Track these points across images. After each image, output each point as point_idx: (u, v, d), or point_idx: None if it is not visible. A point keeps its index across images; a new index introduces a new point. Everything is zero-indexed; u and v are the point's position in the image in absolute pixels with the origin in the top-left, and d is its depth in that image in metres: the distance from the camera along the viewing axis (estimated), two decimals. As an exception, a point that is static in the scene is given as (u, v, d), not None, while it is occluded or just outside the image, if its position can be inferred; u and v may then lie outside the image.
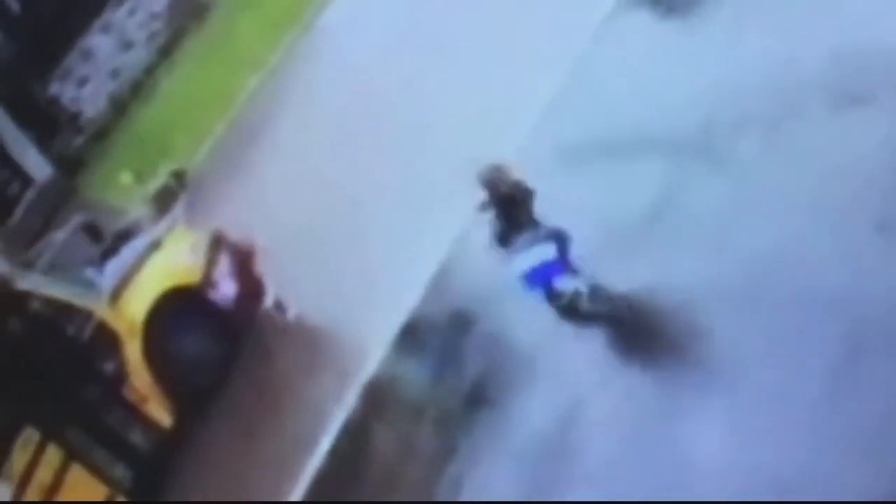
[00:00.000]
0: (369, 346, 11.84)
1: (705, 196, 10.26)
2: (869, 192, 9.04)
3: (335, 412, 11.53)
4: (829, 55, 10.31)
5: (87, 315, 12.92)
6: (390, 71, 15.92)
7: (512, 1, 14.92)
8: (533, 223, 10.04)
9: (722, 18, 11.90)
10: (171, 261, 13.72)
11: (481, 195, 10.18)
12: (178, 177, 15.56)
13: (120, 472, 12.55)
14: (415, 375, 11.35)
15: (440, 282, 11.89)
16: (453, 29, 15.74)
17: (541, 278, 9.84)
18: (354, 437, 11.21)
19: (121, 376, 12.86)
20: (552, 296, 9.91)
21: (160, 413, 12.95)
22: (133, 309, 13.11)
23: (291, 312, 13.36)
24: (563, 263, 9.83)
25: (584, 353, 9.77)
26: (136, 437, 12.82)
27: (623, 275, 10.01)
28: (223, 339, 13.65)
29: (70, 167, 22.49)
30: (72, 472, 12.13)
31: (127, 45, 24.32)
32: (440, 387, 10.93)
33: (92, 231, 14.98)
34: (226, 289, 13.54)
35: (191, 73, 22.61)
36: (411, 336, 11.66)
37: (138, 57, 24.24)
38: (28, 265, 14.02)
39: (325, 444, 11.33)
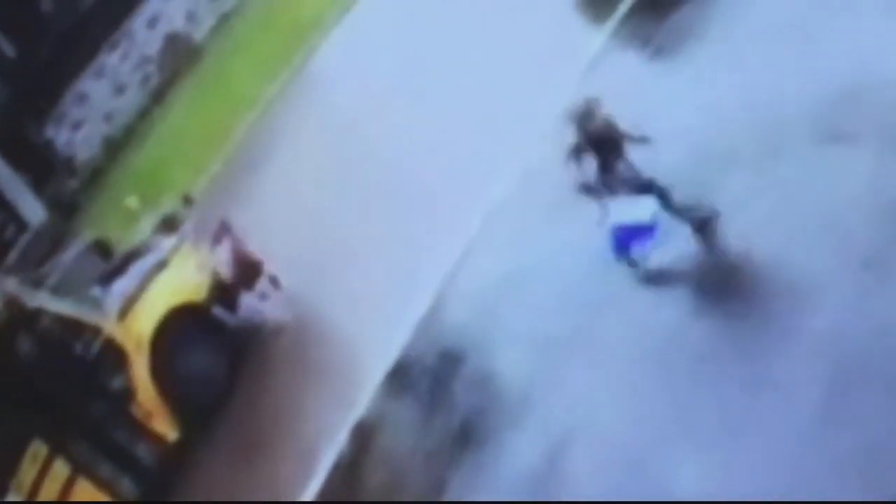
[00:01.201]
0: (359, 384, 11.84)
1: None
2: (854, 230, 9.02)
3: (326, 451, 11.53)
4: (813, 93, 10.32)
5: (94, 332, 13.12)
6: (379, 113, 16.03)
7: (499, 46, 15.07)
8: (627, 169, 9.85)
9: (707, 59, 11.93)
10: (177, 279, 14.02)
11: (573, 135, 9.90)
12: (186, 201, 15.77)
13: (126, 486, 12.75)
14: (404, 415, 11.34)
15: (429, 321, 11.89)
16: (441, 72, 15.92)
17: (628, 239, 9.77)
18: (345, 474, 11.21)
19: (128, 392, 13.10)
20: (630, 260, 9.96)
21: (166, 428, 13.16)
22: (140, 326, 13.36)
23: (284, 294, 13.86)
24: (655, 229, 9.75)
25: (573, 387, 9.74)
26: (142, 452, 13.02)
27: (606, 318, 10.03)
28: (227, 356, 13.90)
29: (65, 210, 22.57)
30: (78, 486, 12.38)
31: (120, 89, 24.45)
32: (430, 426, 10.89)
33: (101, 249, 15.47)
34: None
35: (184, 115, 22.70)
36: (401, 375, 11.65)
37: (132, 100, 24.37)
38: (37, 283, 14.12)
39: (315, 483, 11.35)
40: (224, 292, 14.03)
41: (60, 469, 12.34)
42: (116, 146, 23.82)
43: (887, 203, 8.97)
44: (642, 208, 9.77)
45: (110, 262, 15.02)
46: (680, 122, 11.33)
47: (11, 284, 13.60)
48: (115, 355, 13.16)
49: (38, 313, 13.02)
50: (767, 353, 8.64)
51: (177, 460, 13.14)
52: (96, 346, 13.11)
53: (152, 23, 24.86)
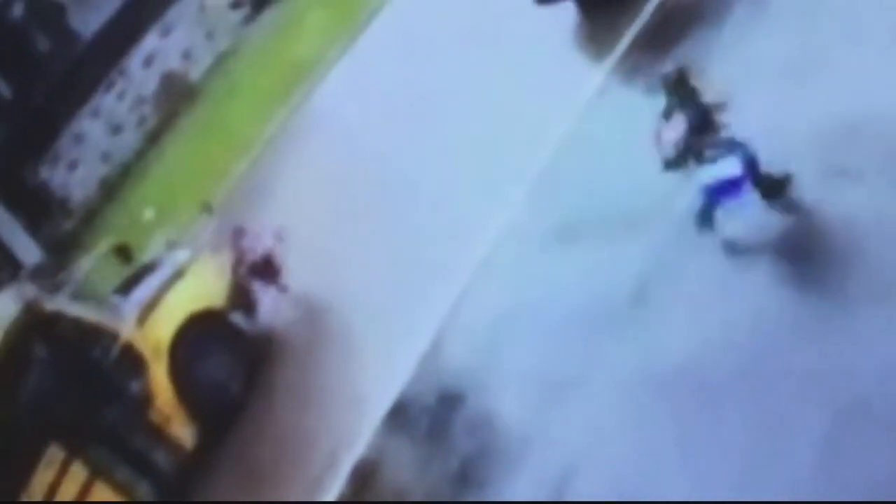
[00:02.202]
0: (358, 425, 11.74)
1: (693, 272, 10.13)
2: (854, 266, 8.90)
3: (323, 494, 11.44)
4: (815, 128, 10.23)
5: (113, 337, 13.26)
6: (379, 149, 15.99)
7: (501, 78, 15.05)
8: (718, 132, 9.87)
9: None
10: (196, 286, 14.27)
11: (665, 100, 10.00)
12: (206, 208, 16.14)
13: (143, 491, 12.84)
14: (403, 455, 11.26)
15: (429, 360, 11.79)
16: (442, 106, 15.93)
17: (717, 196, 9.75)
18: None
19: (146, 397, 13.22)
20: (712, 224, 9.91)
21: (183, 434, 13.28)
22: (159, 332, 13.54)
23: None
24: (743, 184, 9.72)
25: (574, 425, 9.64)
26: (160, 458, 13.12)
27: (608, 355, 9.93)
28: (245, 363, 14.08)
29: (60, 251, 22.47)
30: (95, 491, 12.44)
31: (116, 129, 24.43)
32: (429, 467, 10.76)
33: (122, 253, 15.47)
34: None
35: (180, 155, 22.68)
36: (400, 415, 11.53)
37: (128, 140, 24.36)
38: (56, 289, 14.25)
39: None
40: (242, 299, 14.29)
41: (77, 473, 12.43)
42: (113, 186, 23.77)
43: (889, 239, 8.84)
44: (731, 164, 9.76)
45: (131, 268, 15.20)
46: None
47: (30, 290, 13.70)
48: (133, 361, 13.28)
49: (56, 317, 13.10)
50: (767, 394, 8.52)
51: (194, 467, 13.26)
52: (115, 352, 13.22)
53: (148, 62, 24.87)
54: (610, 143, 12.26)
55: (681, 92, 9.89)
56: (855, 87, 10.18)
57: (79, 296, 14.10)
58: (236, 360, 14.05)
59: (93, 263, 15.90)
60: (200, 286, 14.30)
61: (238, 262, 14.52)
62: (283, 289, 14.46)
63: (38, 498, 12.27)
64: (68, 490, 12.36)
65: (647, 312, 10.16)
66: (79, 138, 24.12)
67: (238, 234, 14.75)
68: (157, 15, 24.93)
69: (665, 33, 13.23)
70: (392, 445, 11.42)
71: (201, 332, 13.84)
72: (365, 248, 14.35)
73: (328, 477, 11.57)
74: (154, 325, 13.60)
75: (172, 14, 25.27)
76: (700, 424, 8.79)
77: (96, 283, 15.23)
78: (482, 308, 11.86)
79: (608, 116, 12.78)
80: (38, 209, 23.30)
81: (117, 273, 15.18)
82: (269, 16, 24.91)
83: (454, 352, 11.69)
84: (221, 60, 24.98)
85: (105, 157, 23.98)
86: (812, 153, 10.14)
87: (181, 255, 14.95)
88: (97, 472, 12.54)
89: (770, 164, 9.87)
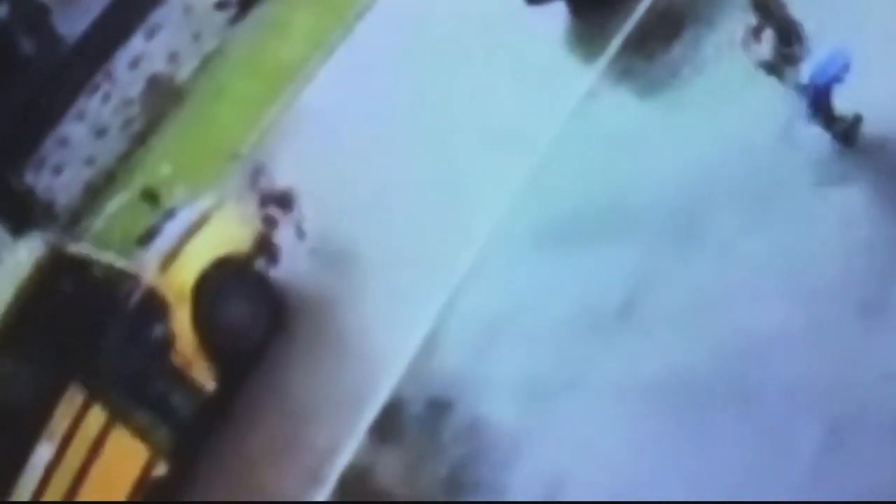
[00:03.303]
0: (346, 431, 11.70)
1: (685, 280, 10.06)
2: (850, 274, 8.84)
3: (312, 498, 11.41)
4: (809, 134, 10.15)
5: (136, 281, 13.48)
6: (366, 151, 15.94)
7: (491, 79, 14.93)
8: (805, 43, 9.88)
9: (701, 94, 11.80)
10: (221, 231, 14.44)
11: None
12: (233, 157, 16.68)
13: (162, 434, 13.00)
14: (393, 461, 11.21)
15: (418, 366, 11.72)
16: (431, 107, 15.81)
17: (827, 85, 9.68)
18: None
19: (167, 341, 13.40)
20: (829, 117, 9.80)
21: (204, 378, 13.43)
22: (183, 276, 13.75)
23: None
24: (849, 68, 9.64)
25: (566, 430, 9.61)
26: (179, 402, 13.27)
27: (597, 361, 9.87)
28: (268, 309, 14.21)
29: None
30: (115, 433, 12.62)
31: (101, 133, 24.26)
32: (418, 473, 10.72)
33: (150, 198, 15.54)
34: None
35: (167, 158, 22.56)
36: (389, 421, 11.47)
37: (113, 144, 24.20)
38: (82, 234, 15.19)
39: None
40: (266, 246, 14.42)
41: (97, 415, 12.59)
42: (98, 191, 23.62)
43: (883, 246, 8.83)
44: (824, 56, 9.76)
45: (156, 213, 15.27)
46: (670, 161, 11.22)
47: (55, 235, 14.19)
48: (156, 305, 13.48)
49: (81, 261, 13.43)
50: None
51: (214, 410, 13.40)
52: (138, 295, 13.41)
53: (134, 64, 24.72)
54: (601, 145, 12.22)
55: (767, 9, 9.89)
56: (850, 93, 10.05)
57: (103, 240, 14.61)
58: (259, 306, 14.18)
59: (119, 208, 16.18)
60: (225, 232, 14.47)
61: (257, 198, 14.83)
62: (301, 234, 14.63)
63: (58, 438, 12.39)
64: (87, 432, 12.51)
65: (637, 318, 10.13)
66: (63, 142, 23.97)
67: (257, 171, 15.17)
68: (143, 17, 24.79)
69: (657, 34, 13.16)
70: (381, 451, 11.37)
71: (225, 277, 14.00)
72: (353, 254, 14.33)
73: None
74: (178, 270, 13.82)
75: (158, 16, 25.15)
76: (691, 431, 8.77)
77: (121, 228, 15.61)
78: (471, 313, 11.79)
79: (599, 118, 12.70)
80: (24, 214, 23.14)
81: (143, 218, 15.31)
82: (255, 17, 24.83)
83: (443, 357, 11.62)
84: (208, 62, 24.86)
85: (90, 160, 23.82)
86: (802, 157, 10.11)
87: (205, 203, 15.05)
88: (116, 416, 12.70)
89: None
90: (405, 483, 10.84)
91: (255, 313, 14.12)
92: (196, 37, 25.37)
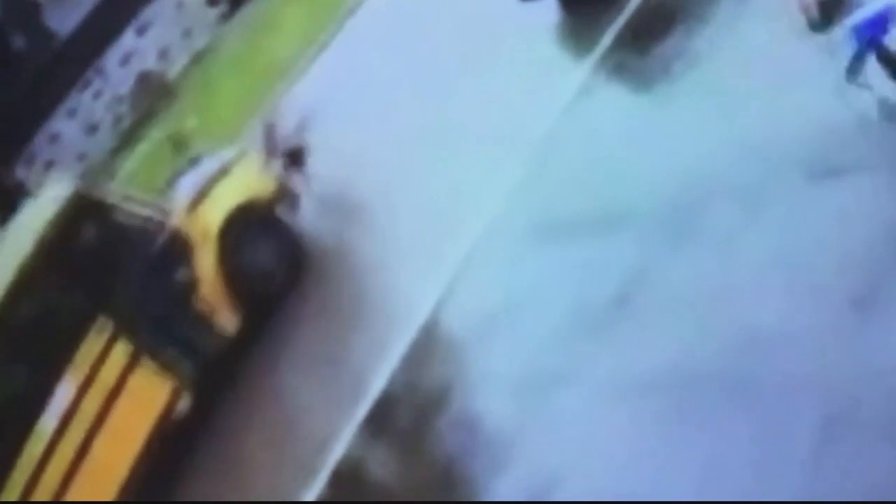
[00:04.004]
0: (336, 427, 11.65)
1: (679, 275, 9.99)
2: (845, 268, 8.77)
3: (303, 494, 11.38)
4: (806, 127, 10.13)
5: (162, 223, 13.98)
6: (357, 147, 16.01)
7: (483, 75, 14.97)
8: None
9: (696, 90, 11.75)
10: (244, 178, 14.94)
11: None
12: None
13: (185, 371, 13.43)
14: (385, 456, 11.20)
15: (412, 361, 11.70)
16: (422, 104, 15.87)
17: (875, 33, 9.48)
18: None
19: (192, 283, 13.88)
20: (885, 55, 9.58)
21: (226, 319, 13.88)
22: (208, 219, 14.21)
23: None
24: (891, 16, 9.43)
25: (562, 426, 9.53)
26: (203, 341, 13.72)
27: (594, 356, 9.81)
28: (289, 254, 14.69)
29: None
30: (139, 368, 13.03)
31: (92, 129, 24.26)
32: (412, 469, 10.69)
33: (177, 143, 16.46)
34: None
35: (157, 155, 22.57)
36: (382, 416, 11.44)
37: (104, 140, 24.18)
38: (109, 175, 15.46)
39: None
40: (287, 193, 14.96)
41: (121, 351, 12.96)
42: (88, 187, 23.60)
43: (877, 239, 8.73)
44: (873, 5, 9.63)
45: (184, 158, 15.88)
46: (664, 155, 11.18)
47: (84, 176, 14.73)
48: (181, 247, 13.91)
49: (107, 202, 13.85)
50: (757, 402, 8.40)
51: (236, 351, 13.88)
52: (163, 237, 13.85)
53: (125, 60, 24.72)
54: (595, 140, 12.20)
55: None
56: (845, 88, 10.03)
57: (130, 184, 15.09)
58: (281, 251, 14.59)
59: (146, 154, 16.33)
60: (248, 178, 14.93)
61: (274, 151, 15.41)
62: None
63: (82, 373, 12.73)
64: (111, 367, 12.85)
65: (633, 313, 10.04)
66: (54, 138, 23.97)
67: (270, 129, 15.76)
68: (134, 13, 24.80)
69: (649, 29, 13.14)
70: (374, 446, 11.36)
71: (249, 221, 14.39)
72: (343, 251, 14.50)
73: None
74: (202, 214, 14.24)
75: (149, 12, 25.15)
76: (687, 427, 8.68)
77: (148, 174, 16.16)
78: (464, 307, 11.78)
79: (593, 113, 12.68)
80: (13, 209, 23.10)
81: (169, 164, 15.85)
82: (246, 13, 24.82)
83: (437, 350, 11.62)
84: (198, 59, 24.87)
85: (81, 156, 23.83)
86: (797, 151, 10.02)
87: (228, 153, 15.61)
88: (141, 351, 13.06)
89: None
90: (399, 477, 10.81)
91: (278, 257, 14.53)
92: (187, 33, 25.40)
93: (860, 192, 9.27)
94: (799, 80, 10.60)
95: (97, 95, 24.31)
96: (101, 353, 12.85)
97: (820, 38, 10.41)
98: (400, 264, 13.27)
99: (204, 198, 14.43)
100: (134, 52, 24.65)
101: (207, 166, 15.30)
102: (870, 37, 9.55)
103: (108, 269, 13.39)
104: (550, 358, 10.17)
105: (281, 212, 14.87)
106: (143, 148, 16.67)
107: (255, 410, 13.46)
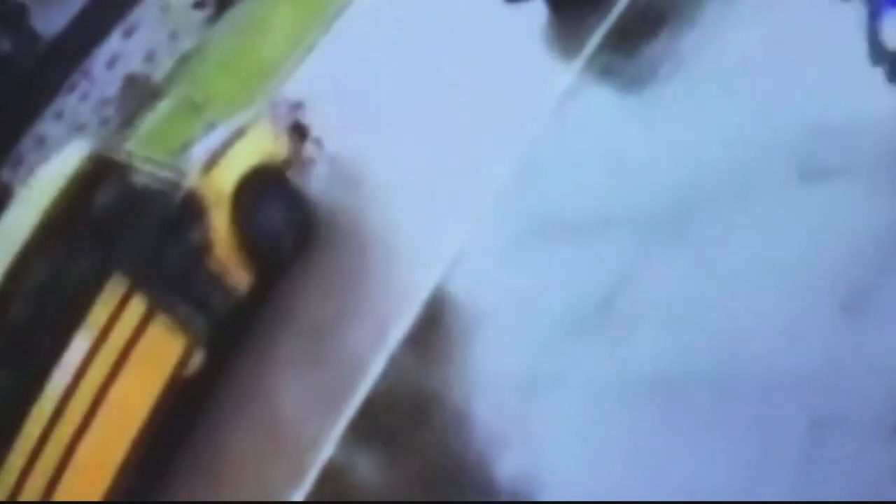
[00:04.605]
0: (323, 430, 11.65)
1: (667, 276, 9.99)
2: (833, 270, 8.77)
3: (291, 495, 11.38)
4: (795, 128, 10.13)
5: (177, 184, 14.34)
6: (344, 148, 16.13)
7: (470, 77, 15.00)
8: None
9: (684, 91, 11.74)
10: (258, 142, 15.39)
11: None
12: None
13: (199, 328, 13.76)
14: (370, 459, 11.28)
15: (400, 361, 11.70)
16: (409, 107, 15.90)
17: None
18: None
19: (206, 243, 14.25)
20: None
21: (240, 278, 14.30)
22: (222, 181, 14.62)
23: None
24: None
25: (550, 429, 9.54)
26: (216, 299, 14.08)
27: (578, 357, 9.82)
28: (300, 217, 15.13)
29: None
30: (153, 324, 13.36)
31: (79, 131, 24.21)
32: (396, 471, 10.71)
33: (192, 107, 17.30)
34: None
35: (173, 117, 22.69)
36: (369, 418, 11.43)
37: (91, 142, 24.10)
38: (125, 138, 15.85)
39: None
40: (299, 157, 15.48)
41: (136, 306, 13.26)
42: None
43: (864, 242, 8.73)
44: None
45: (198, 123, 16.56)
46: (652, 158, 11.19)
47: (99, 138, 15.19)
48: (196, 208, 14.28)
49: (124, 163, 14.17)
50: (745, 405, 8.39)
51: (249, 310, 14.29)
52: (178, 198, 14.23)
53: (112, 62, 24.68)
54: (582, 144, 12.20)
55: None
56: (835, 90, 10.03)
57: (147, 143, 15.44)
58: (292, 214, 15.02)
59: (161, 118, 16.56)
60: (262, 143, 15.34)
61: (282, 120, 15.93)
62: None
63: (97, 326, 13.02)
64: (126, 321, 13.16)
65: (621, 316, 10.02)
66: (41, 140, 23.91)
67: (274, 106, 16.39)
68: (121, 15, 24.77)
69: (636, 31, 13.14)
70: (361, 448, 11.38)
71: (263, 183, 14.83)
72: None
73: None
74: (217, 175, 14.66)
75: (135, 15, 25.12)
76: (675, 429, 8.67)
77: (164, 137, 16.58)
78: (457, 305, 11.89)
79: (580, 116, 12.68)
80: (1, 212, 23.06)
81: (184, 129, 16.26)
82: (232, 15, 24.78)
83: (426, 351, 11.67)
84: (185, 61, 24.83)
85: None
86: (783, 154, 10.02)
87: (243, 118, 16.16)
88: (156, 307, 13.38)
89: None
90: (383, 481, 10.86)
91: (290, 219, 14.96)
92: (173, 36, 25.39)
93: (849, 194, 9.26)
94: (786, 81, 10.62)
95: (84, 98, 24.27)
96: (115, 310, 13.11)
97: (808, 39, 10.41)
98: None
99: (218, 161, 14.87)
100: (120, 55, 24.61)
101: (222, 132, 15.91)
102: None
103: (123, 228, 13.72)
104: (539, 360, 10.17)
105: (293, 176, 15.29)
106: (157, 112, 17.08)
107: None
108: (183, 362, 13.56)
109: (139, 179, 14.06)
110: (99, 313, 13.11)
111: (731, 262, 9.56)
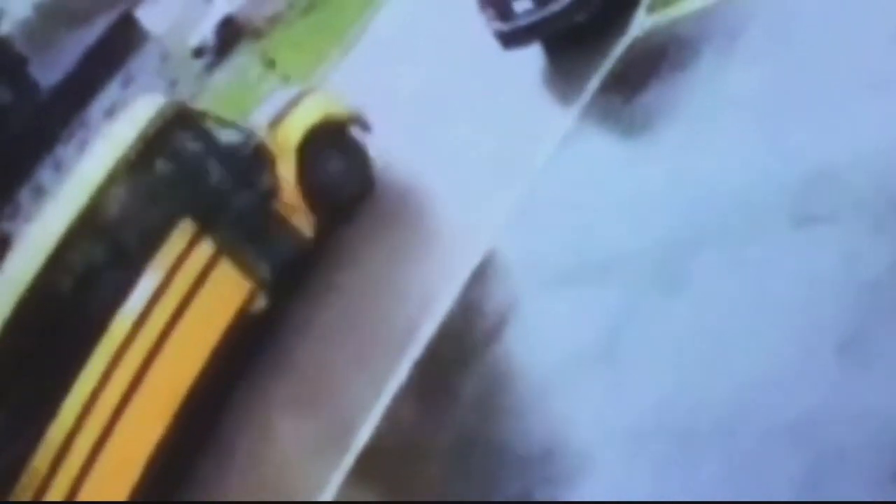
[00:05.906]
0: (322, 477, 11.60)
1: (662, 322, 9.97)
2: (828, 313, 8.76)
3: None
4: (784, 174, 10.13)
5: (249, 135, 15.47)
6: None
7: (470, 122, 15.18)
8: None
9: (680, 138, 11.75)
10: (323, 101, 16.82)
11: None
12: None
13: (263, 271, 14.70)
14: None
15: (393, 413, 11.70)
16: (410, 153, 16.24)
17: None
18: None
19: (273, 189, 15.35)
20: None
21: (303, 225, 15.37)
22: (289, 134, 15.84)
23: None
24: None
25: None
26: (282, 243, 15.09)
27: (577, 403, 9.83)
28: (359, 169, 16.27)
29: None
30: (220, 265, 14.21)
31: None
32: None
33: (268, 63, 19.44)
34: None
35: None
36: (370, 461, 11.43)
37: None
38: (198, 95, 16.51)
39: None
40: (359, 118, 16.42)
41: (205, 248, 14.12)
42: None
43: (861, 285, 8.70)
44: None
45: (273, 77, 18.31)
46: (649, 202, 11.18)
47: (177, 93, 15.93)
48: (265, 157, 15.41)
49: (200, 114, 15.49)
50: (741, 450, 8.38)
51: (311, 253, 15.34)
52: (250, 147, 15.31)
53: (110, 112, 24.72)
54: (580, 188, 12.19)
55: None
56: (824, 132, 10.07)
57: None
58: (352, 166, 16.15)
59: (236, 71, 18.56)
60: (326, 102, 16.75)
61: None
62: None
63: (166, 266, 13.82)
64: (195, 261, 13.97)
65: (620, 361, 9.99)
66: (39, 190, 23.91)
67: None
68: (119, 65, 24.85)
69: (634, 75, 13.17)
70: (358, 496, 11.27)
71: (327, 135, 16.02)
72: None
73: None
74: (283, 131, 15.82)
75: (135, 64, 25.20)
76: (673, 474, 8.65)
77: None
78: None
79: (578, 161, 12.69)
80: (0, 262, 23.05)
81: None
82: (231, 64, 24.86)
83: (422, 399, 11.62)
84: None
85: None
86: (780, 198, 10.00)
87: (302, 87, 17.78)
88: (223, 249, 14.27)
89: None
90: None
91: (349, 172, 16.07)
92: (172, 84, 25.43)
93: (844, 238, 9.26)
94: (782, 127, 10.64)
95: (82, 147, 24.28)
96: (184, 251, 13.87)
97: (803, 82, 10.42)
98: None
99: (286, 115, 16.06)
100: (118, 103, 24.66)
101: (282, 96, 17.19)
102: None
103: (196, 173, 14.67)
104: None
105: (354, 132, 16.35)
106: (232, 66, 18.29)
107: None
108: (247, 302, 14.28)
109: (212, 128, 15.06)
110: (169, 253, 13.82)
111: (728, 306, 9.53)
